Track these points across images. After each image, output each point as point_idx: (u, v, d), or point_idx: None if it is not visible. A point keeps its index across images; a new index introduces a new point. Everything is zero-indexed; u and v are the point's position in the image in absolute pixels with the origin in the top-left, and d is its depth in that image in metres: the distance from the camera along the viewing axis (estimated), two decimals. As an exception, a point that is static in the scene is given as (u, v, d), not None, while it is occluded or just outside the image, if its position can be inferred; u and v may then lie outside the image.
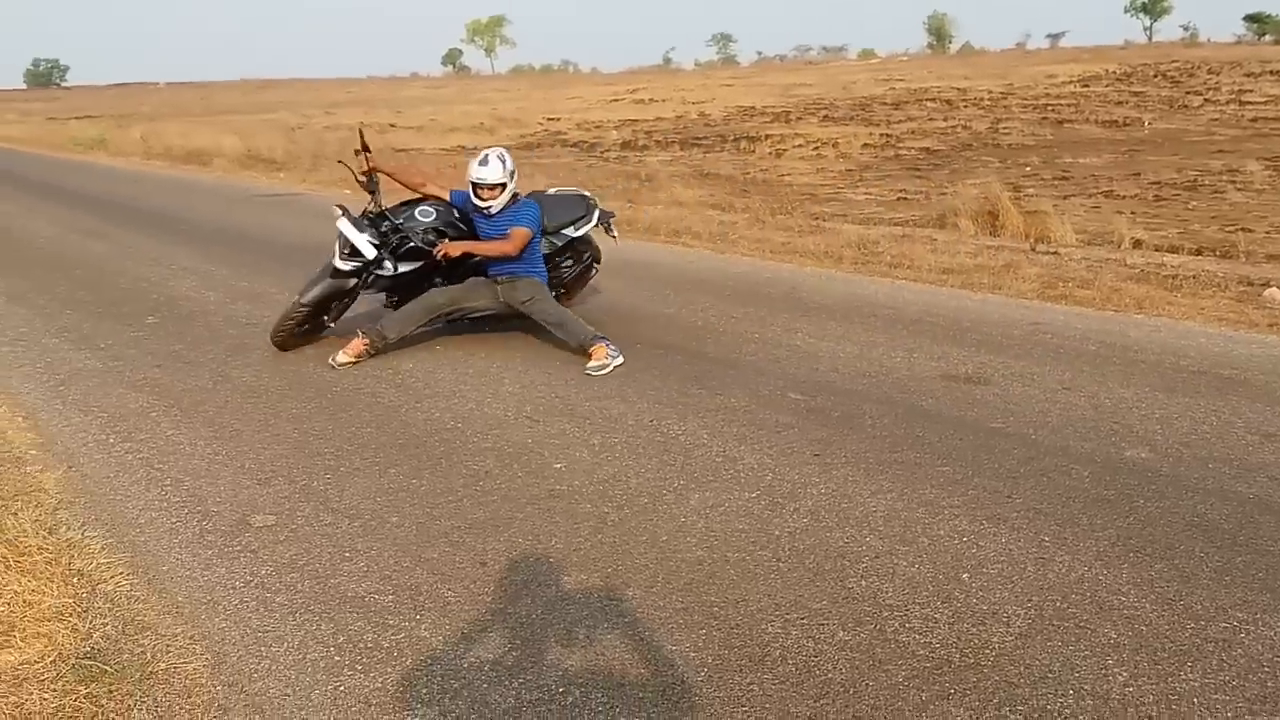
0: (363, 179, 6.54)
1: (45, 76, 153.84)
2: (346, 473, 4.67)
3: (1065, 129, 23.18)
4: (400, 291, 6.69)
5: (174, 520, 4.22)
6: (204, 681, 3.09)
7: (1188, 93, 30.18)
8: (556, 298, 6.82)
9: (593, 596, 3.51)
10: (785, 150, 22.01)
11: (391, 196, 6.73)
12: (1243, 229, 10.72)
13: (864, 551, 3.77)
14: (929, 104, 31.89)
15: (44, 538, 4.00)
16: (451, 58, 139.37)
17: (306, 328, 6.68)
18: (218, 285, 8.96)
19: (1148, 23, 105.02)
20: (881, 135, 23.85)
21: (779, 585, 3.55)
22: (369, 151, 6.54)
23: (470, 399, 5.66)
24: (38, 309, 8.18)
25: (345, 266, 6.34)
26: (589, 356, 6.13)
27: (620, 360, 6.11)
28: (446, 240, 6.35)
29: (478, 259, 6.42)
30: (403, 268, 6.46)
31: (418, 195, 6.73)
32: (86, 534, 4.06)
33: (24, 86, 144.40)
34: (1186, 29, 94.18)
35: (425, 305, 6.48)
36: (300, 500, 4.38)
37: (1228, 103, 26.88)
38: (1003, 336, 6.68)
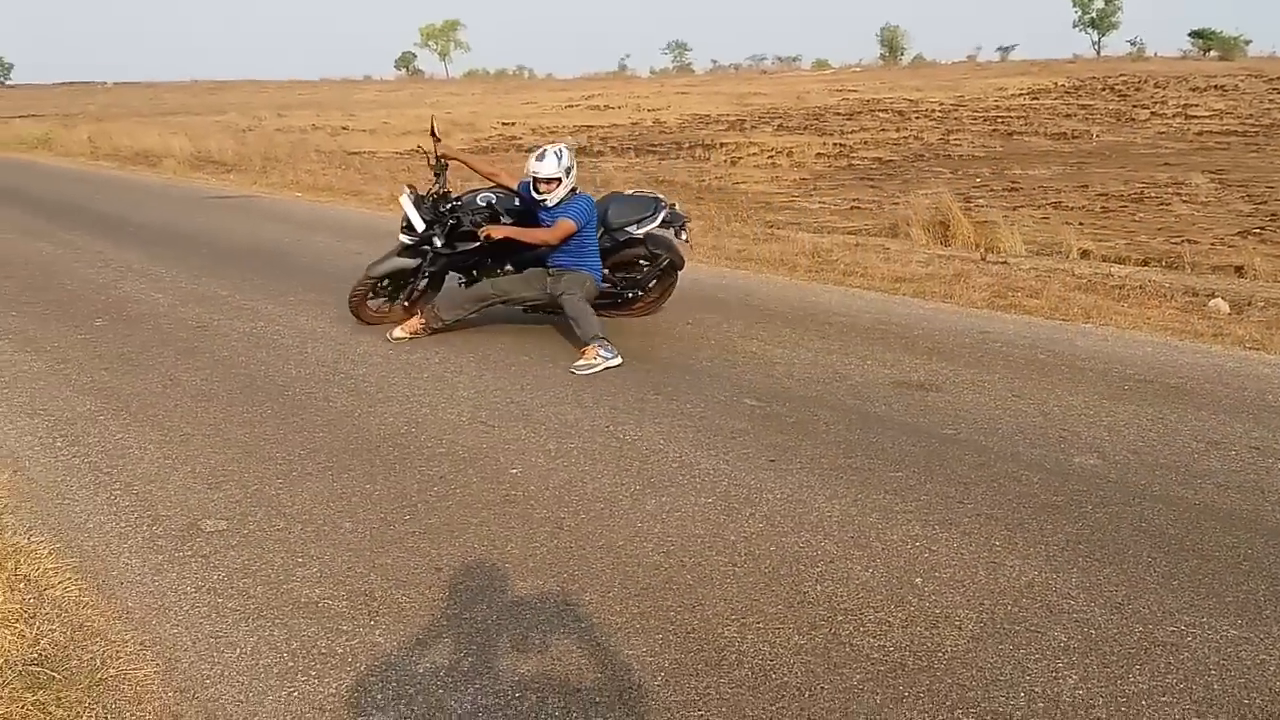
0: (434, 164, 7.13)
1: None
2: (299, 477, 4.63)
3: (1015, 140, 23.48)
4: (470, 273, 7.20)
5: (123, 525, 4.15)
6: (155, 688, 3.05)
7: (1135, 106, 30.66)
8: (634, 299, 7.30)
9: (548, 602, 3.51)
10: (740, 158, 22.09)
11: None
12: (1188, 240, 10.91)
13: (819, 556, 3.80)
14: (881, 115, 32.15)
15: (-11, 542, 3.93)
16: (405, 61, 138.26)
17: (378, 302, 7.31)
18: (167, 288, 8.84)
19: (1096, 37, 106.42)
20: (835, 145, 24.00)
21: (735, 590, 3.57)
22: (438, 139, 7.16)
23: (424, 403, 5.63)
24: (-19, 310, 8.02)
25: (404, 240, 7.01)
26: (581, 355, 6.32)
27: (616, 362, 6.25)
28: (496, 224, 6.81)
29: (539, 249, 6.77)
30: (459, 247, 6.97)
31: (490, 184, 7.24)
32: (33, 539, 3.99)
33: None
34: (1134, 44, 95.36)
35: (474, 294, 6.92)
36: (252, 505, 4.33)
37: (1174, 116, 27.35)
38: (954, 344, 6.76)
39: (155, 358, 6.58)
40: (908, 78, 55.41)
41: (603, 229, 7.00)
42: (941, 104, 34.82)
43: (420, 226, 6.89)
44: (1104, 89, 37.65)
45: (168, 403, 5.70)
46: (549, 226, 6.68)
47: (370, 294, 7.24)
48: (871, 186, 17.11)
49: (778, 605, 3.46)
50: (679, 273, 7.49)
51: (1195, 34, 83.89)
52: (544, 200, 6.67)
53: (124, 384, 6.04)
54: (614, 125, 33.15)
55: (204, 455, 4.91)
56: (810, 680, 3.03)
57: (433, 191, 7.09)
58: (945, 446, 4.91)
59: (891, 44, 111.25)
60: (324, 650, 3.23)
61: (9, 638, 3.28)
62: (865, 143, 24.35)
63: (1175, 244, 10.78)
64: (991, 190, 15.93)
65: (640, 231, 7.14)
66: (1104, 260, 9.95)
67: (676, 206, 7.37)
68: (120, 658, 3.20)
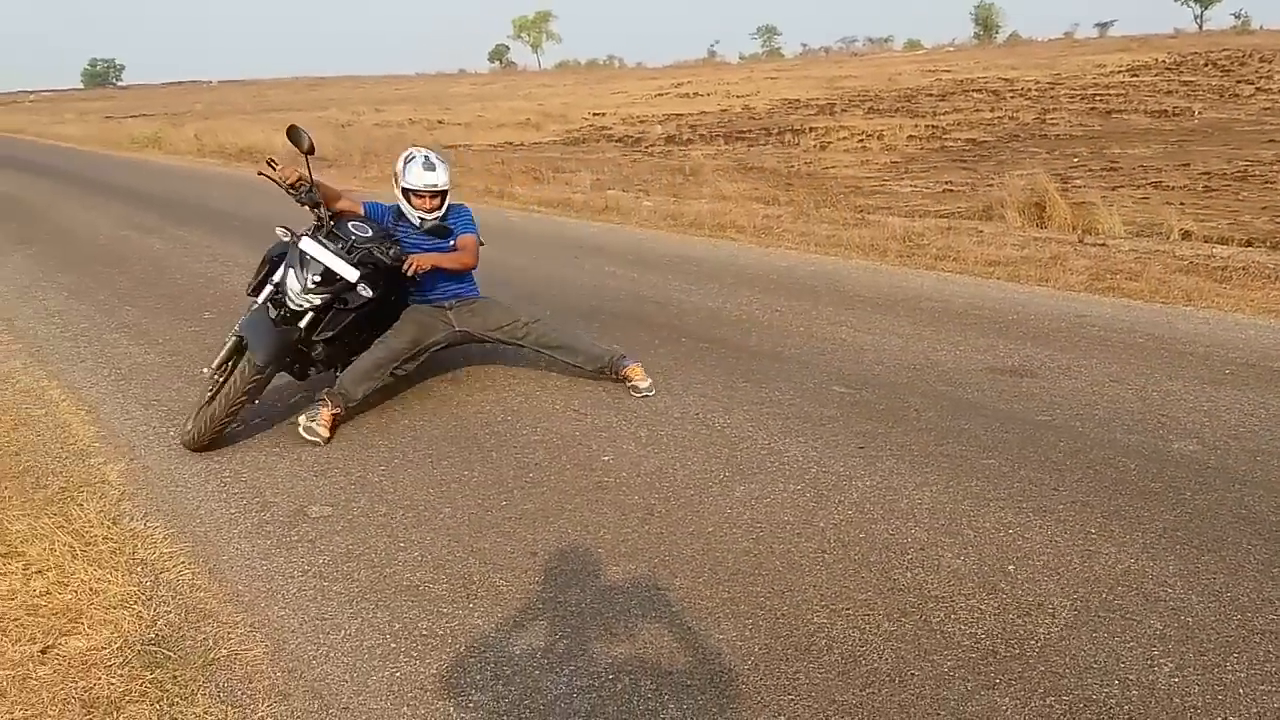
0: (293, 191, 5.26)
1: (102, 76, 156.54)
2: (400, 465, 4.77)
3: (1114, 119, 22.88)
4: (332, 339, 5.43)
5: (233, 511, 4.34)
6: (264, 668, 3.19)
7: (1239, 81, 29.64)
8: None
9: (640, 586, 3.58)
10: (830, 143, 21.91)
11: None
12: (1295, 219, 10.56)
13: (909, 543, 3.80)
14: (975, 95, 31.58)
15: (109, 528, 4.15)
16: (498, 54, 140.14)
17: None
18: (270, 281, 9.10)
19: (1198, 11, 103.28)
20: (927, 127, 23.66)
21: (824, 576, 3.59)
22: (313, 154, 5.24)
23: (519, 392, 5.75)
24: (98, 304, 8.38)
25: (315, 300, 5.13)
26: (625, 378, 5.66)
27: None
28: (406, 256, 5.32)
29: (447, 273, 5.55)
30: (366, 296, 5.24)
31: (336, 210, 5.47)
32: (149, 524, 4.20)
33: (81, 87, 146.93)
34: (1238, 17, 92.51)
35: (386, 356, 5.41)
36: (356, 491, 4.48)
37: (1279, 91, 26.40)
38: (1049, 329, 6.65)
39: (260, 350, 6.79)
40: (1003, 56, 54.25)
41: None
42: (1037, 82, 34.06)
43: (353, 275, 5.09)
44: (1206, 64, 36.45)
45: (274, 393, 5.89)
46: (449, 248, 5.53)
47: (256, 396, 5.14)
48: (964, 168, 16.84)
49: (868, 592, 3.48)
50: None
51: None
52: (434, 218, 5.47)
53: (231, 375, 6.26)
54: (703, 113, 33.12)
55: (309, 444, 5.09)
56: (900, 667, 3.05)
57: (323, 228, 5.28)
58: (1039, 432, 4.85)
59: (986, 22, 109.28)
60: (425, 632, 3.35)
61: (128, 619, 3.47)
62: (958, 124, 23.96)
63: (1282, 223, 10.43)
64: (1089, 170, 15.56)
65: None
66: (1206, 241, 9.67)
67: None
68: (231, 638, 3.35)
